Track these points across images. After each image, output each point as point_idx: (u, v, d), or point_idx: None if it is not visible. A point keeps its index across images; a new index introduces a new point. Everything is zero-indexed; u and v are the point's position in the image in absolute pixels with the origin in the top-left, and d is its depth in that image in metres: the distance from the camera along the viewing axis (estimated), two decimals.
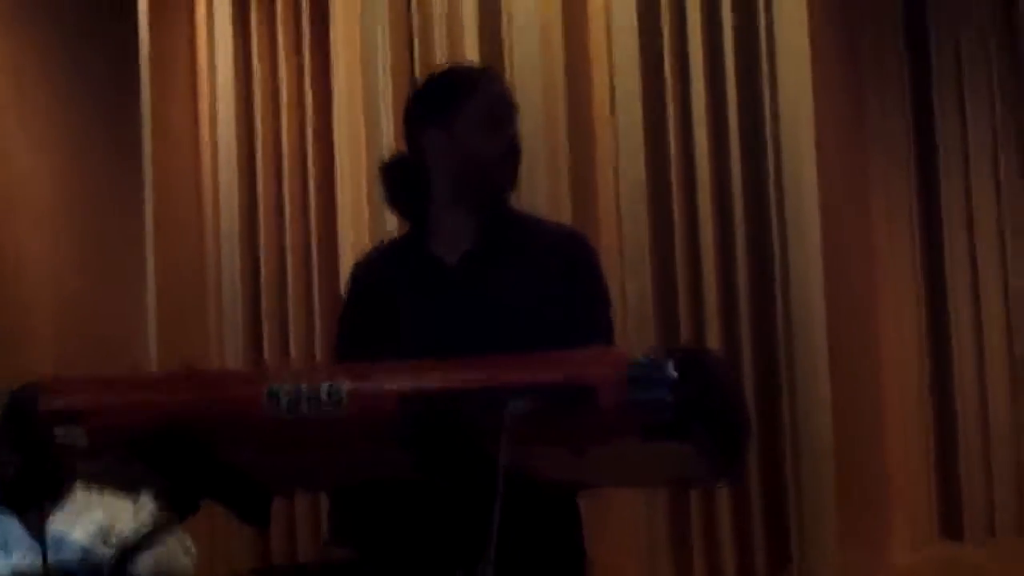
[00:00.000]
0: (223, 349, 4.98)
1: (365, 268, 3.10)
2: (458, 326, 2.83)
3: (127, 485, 3.07)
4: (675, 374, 2.29)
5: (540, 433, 2.31)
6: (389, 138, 4.63)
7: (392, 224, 4.54)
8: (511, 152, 2.92)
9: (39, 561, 3.86)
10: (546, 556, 2.82)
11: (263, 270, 4.96)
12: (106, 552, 3.86)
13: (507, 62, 4.50)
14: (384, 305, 2.95)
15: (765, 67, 4.23)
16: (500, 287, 2.84)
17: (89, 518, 3.92)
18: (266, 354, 4.94)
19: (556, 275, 2.84)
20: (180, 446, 2.62)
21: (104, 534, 3.90)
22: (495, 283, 2.85)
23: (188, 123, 5.06)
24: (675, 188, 4.35)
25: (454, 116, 2.89)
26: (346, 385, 2.49)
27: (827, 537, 4.07)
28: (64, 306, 5.19)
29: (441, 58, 4.58)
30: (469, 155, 2.88)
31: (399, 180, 2.97)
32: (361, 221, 4.73)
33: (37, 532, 3.93)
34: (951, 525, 4.40)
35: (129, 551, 2.75)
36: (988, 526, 4.35)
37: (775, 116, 4.20)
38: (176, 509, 2.78)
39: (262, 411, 2.53)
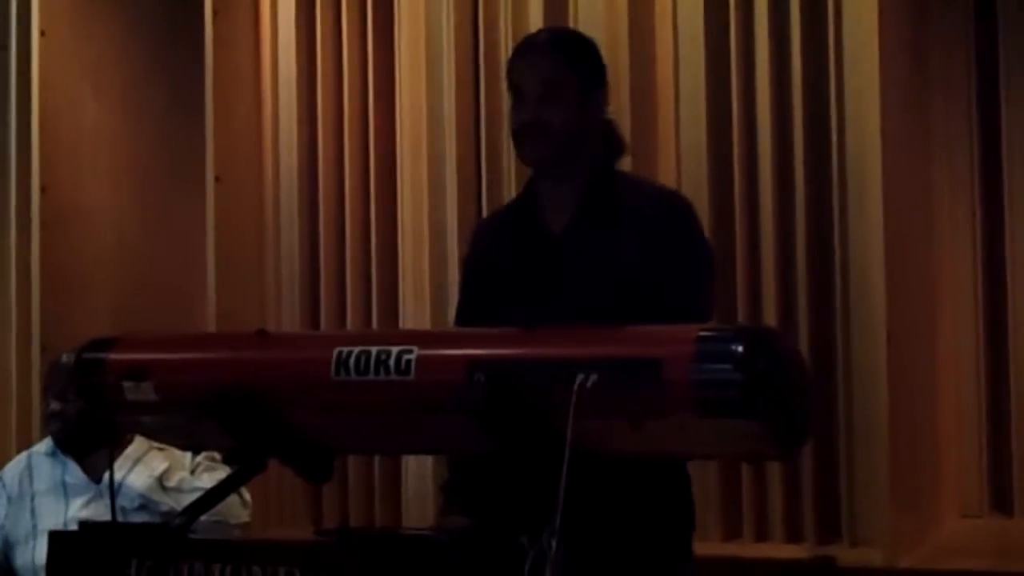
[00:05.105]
0: (280, 306, 5.01)
1: (479, 235, 3.18)
2: (562, 295, 2.87)
3: (192, 443, 3.10)
4: (743, 351, 2.30)
5: (604, 405, 2.32)
6: (450, 110, 4.63)
7: (452, 199, 4.61)
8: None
9: (101, 508, 3.91)
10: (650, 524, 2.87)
11: (322, 236, 4.97)
12: (164, 499, 3.91)
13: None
14: (495, 273, 3.01)
15: (832, 52, 4.17)
16: (600, 254, 2.87)
17: (147, 465, 3.95)
18: (322, 315, 4.97)
19: (655, 238, 2.87)
20: (248, 406, 2.66)
21: (162, 481, 3.93)
22: (596, 251, 2.88)
23: (251, 78, 5.08)
24: (736, 175, 4.31)
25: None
26: (415, 350, 2.52)
27: (878, 506, 4.05)
28: (125, 258, 5.27)
29: (505, 27, 4.55)
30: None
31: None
32: (420, 190, 4.72)
33: (98, 478, 3.97)
34: (1002, 501, 4.39)
35: (194, 506, 2.79)
36: None
37: (840, 102, 4.14)
38: (242, 467, 2.82)
39: (330, 374, 2.56)
